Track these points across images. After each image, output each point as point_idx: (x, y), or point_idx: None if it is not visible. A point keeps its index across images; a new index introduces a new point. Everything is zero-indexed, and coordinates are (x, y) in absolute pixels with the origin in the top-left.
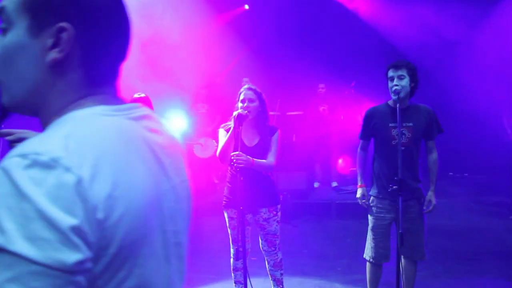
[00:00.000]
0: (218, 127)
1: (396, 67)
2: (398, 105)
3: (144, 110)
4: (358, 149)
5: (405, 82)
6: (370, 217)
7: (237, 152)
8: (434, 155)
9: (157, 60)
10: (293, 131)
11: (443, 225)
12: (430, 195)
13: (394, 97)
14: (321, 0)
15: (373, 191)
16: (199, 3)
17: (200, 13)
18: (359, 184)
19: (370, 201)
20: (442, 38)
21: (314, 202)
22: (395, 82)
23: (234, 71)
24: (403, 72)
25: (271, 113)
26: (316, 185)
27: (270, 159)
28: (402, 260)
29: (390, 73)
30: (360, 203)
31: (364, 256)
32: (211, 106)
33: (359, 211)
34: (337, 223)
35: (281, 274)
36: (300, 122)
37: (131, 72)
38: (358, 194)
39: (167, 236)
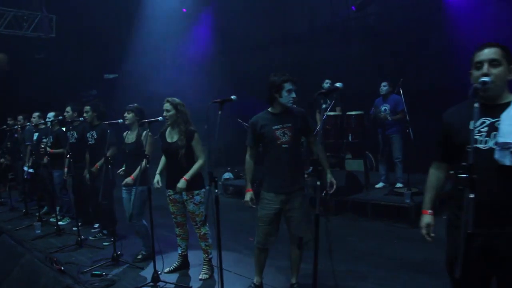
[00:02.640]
0: None
1: (295, 83)
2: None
3: None
4: (247, 157)
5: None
6: (259, 208)
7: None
8: (318, 146)
9: None
10: (350, 131)
11: None
12: (330, 177)
13: (289, 104)
14: None
15: (264, 187)
16: None
17: None
18: (247, 188)
19: (261, 194)
20: None
21: (350, 200)
22: (293, 95)
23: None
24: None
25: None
26: (379, 185)
27: (199, 160)
28: (291, 246)
29: (289, 86)
30: (246, 205)
31: (254, 242)
32: None
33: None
34: (362, 222)
35: (206, 245)
36: (360, 122)
37: None
38: (247, 197)
39: None
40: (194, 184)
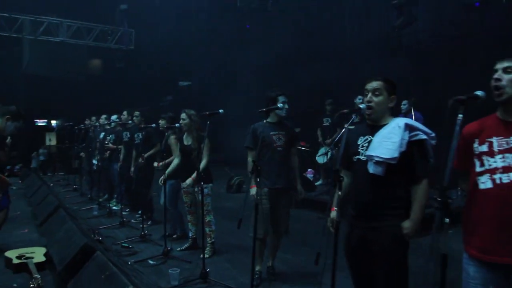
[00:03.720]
0: None
1: (287, 96)
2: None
3: None
4: (249, 159)
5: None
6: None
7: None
8: (295, 158)
9: None
10: None
11: None
12: (300, 188)
13: (283, 114)
14: None
15: (259, 184)
16: None
17: None
18: (252, 185)
19: (257, 191)
20: None
21: None
22: (286, 106)
23: None
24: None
25: None
26: None
27: (203, 160)
28: (271, 234)
29: (283, 98)
30: (252, 199)
31: (251, 234)
32: None
33: None
34: None
35: (209, 230)
36: None
37: None
38: (252, 192)
39: None
40: (203, 179)
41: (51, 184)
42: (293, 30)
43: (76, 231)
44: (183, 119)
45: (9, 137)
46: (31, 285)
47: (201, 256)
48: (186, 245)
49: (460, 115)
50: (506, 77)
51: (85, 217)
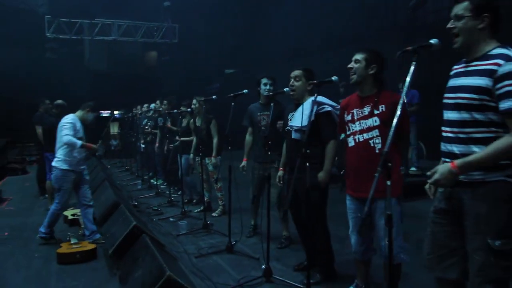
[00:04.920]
0: None
1: (270, 78)
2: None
3: None
4: (247, 135)
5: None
6: (251, 174)
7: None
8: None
9: None
10: None
11: None
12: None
13: (265, 94)
14: None
15: (253, 158)
16: None
17: None
18: (245, 158)
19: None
20: None
21: None
22: (268, 87)
23: None
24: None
25: None
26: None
27: (214, 139)
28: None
29: (265, 80)
30: (241, 170)
31: (251, 197)
32: None
33: None
34: None
35: (221, 195)
36: None
37: None
38: (242, 164)
39: None
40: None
41: (109, 166)
42: (319, 15)
43: (112, 195)
44: (194, 104)
45: None
46: (80, 232)
47: (206, 213)
48: (201, 208)
49: (316, 96)
50: (355, 66)
51: (131, 190)
